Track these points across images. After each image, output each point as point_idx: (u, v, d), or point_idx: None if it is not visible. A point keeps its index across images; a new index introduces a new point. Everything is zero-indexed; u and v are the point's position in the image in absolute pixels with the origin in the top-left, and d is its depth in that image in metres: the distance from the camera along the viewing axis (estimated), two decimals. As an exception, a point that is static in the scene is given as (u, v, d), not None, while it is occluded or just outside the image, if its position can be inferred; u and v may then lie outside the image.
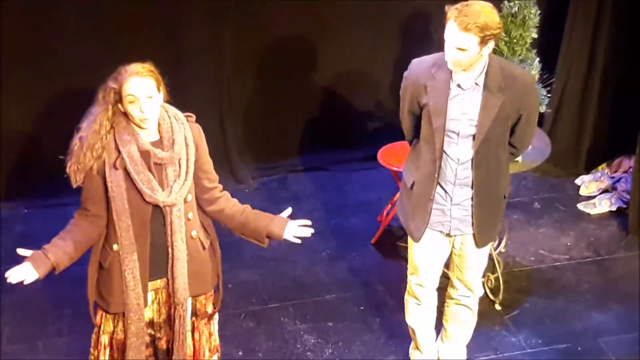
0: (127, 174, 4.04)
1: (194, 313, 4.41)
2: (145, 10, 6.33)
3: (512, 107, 4.36)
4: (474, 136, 4.37)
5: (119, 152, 4.02)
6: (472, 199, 4.53)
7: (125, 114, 4.01)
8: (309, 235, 4.40)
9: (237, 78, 6.77)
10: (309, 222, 4.40)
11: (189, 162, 4.16)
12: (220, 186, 4.42)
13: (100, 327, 4.31)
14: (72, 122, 4.16)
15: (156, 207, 4.10)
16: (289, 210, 4.47)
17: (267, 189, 7.00)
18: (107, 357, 4.33)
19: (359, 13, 6.81)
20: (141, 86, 3.96)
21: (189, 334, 4.39)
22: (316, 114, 7.12)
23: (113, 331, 4.30)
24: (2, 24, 6.08)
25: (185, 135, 4.14)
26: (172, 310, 4.29)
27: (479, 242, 4.67)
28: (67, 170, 4.04)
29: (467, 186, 4.50)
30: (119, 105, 4.00)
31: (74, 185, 4.07)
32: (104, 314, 4.28)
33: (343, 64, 6.99)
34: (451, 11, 4.18)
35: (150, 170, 4.05)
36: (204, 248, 4.36)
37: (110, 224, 4.13)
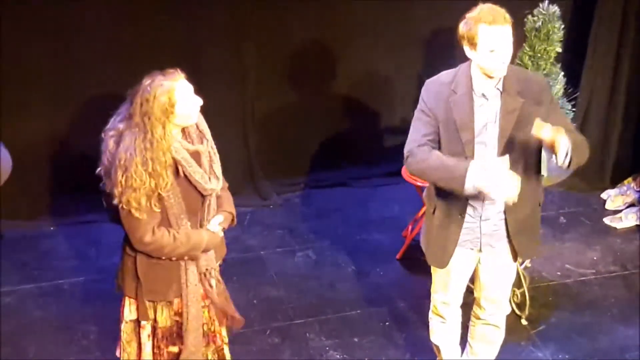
0: (181, 177, 4.14)
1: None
2: (167, 28, 6.37)
3: (532, 108, 4.32)
4: (499, 142, 4.35)
5: (174, 160, 4.10)
6: (505, 206, 4.48)
7: None
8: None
9: (260, 95, 6.80)
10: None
11: (212, 141, 4.30)
12: None
13: (136, 321, 4.39)
14: (98, 141, 4.18)
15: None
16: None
17: (291, 204, 7.01)
18: (150, 345, 4.42)
19: (381, 29, 6.82)
20: (188, 84, 4.10)
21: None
22: (340, 130, 7.13)
23: (155, 319, 4.37)
24: (22, 44, 6.14)
25: (202, 119, 4.27)
26: (207, 277, 4.39)
27: (521, 253, 4.60)
28: (133, 204, 4.02)
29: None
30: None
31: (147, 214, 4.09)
32: (144, 306, 4.33)
33: (366, 80, 7.00)
34: (476, 19, 4.15)
35: (200, 165, 4.19)
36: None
37: (163, 224, 4.18)
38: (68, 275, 6.13)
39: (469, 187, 4.14)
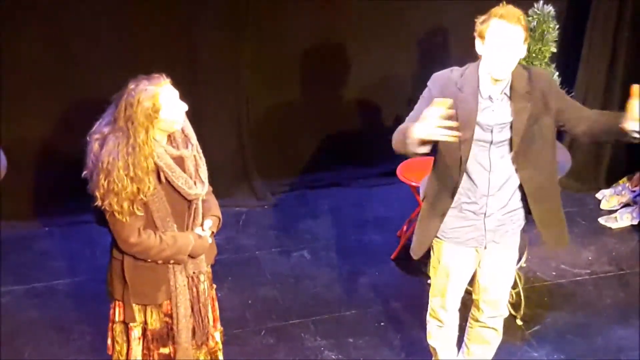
0: (166, 181, 4.12)
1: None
2: (164, 28, 6.36)
3: (542, 104, 4.34)
4: (510, 141, 4.36)
5: (156, 166, 4.08)
6: (523, 199, 4.51)
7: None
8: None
9: (255, 95, 6.79)
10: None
11: (198, 146, 4.29)
12: None
13: (124, 323, 4.39)
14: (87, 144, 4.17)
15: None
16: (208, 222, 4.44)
17: (286, 205, 7.01)
18: (140, 348, 4.42)
19: (376, 29, 6.82)
20: (173, 90, 4.07)
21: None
22: (335, 130, 7.12)
23: (145, 322, 4.37)
24: (22, 44, 6.13)
25: (187, 124, 4.25)
26: (195, 281, 4.37)
27: (550, 243, 4.65)
28: (115, 207, 4.03)
29: (502, 195, 4.48)
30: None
31: (129, 217, 4.08)
32: (131, 309, 4.33)
33: (361, 81, 7.00)
34: (492, 13, 4.18)
35: (184, 170, 4.16)
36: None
37: (148, 226, 4.18)
38: (63, 275, 6.13)
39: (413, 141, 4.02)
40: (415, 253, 4.71)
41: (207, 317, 4.46)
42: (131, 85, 4.02)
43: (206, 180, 4.28)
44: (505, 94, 4.33)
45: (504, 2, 4.27)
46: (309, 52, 6.80)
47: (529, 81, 4.34)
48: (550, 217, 4.60)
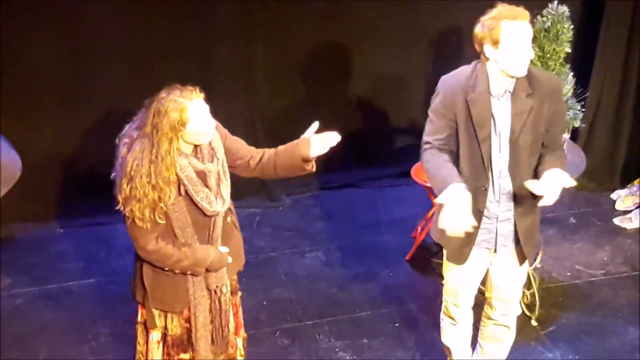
0: (185, 194, 4.12)
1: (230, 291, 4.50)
2: (177, 29, 6.37)
3: (540, 112, 4.32)
4: (509, 144, 4.35)
5: (178, 177, 4.08)
6: (514, 210, 4.49)
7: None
8: (334, 143, 4.46)
9: (269, 96, 6.80)
10: (334, 134, 4.43)
11: (224, 161, 4.26)
12: (252, 148, 4.49)
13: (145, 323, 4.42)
14: (108, 144, 4.19)
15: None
16: (315, 125, 4.47)
17: (300, 206, 7.01)
18: (160, 352, 4.43)
19: (390, 29, 6.81)
20: (203, 105, 4.05)
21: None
22: (349, 131, 7.08)
23: (165, 327, 4.38)
24: (38, 48, 6.15)
25: (216, 137, 4.23)
26: (218, 294, 4.38)
27: (528, 256, 4.61)
28: (137, 214, 4.03)
29: (508, 200, 4.46)
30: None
31: (150, 225, 4.09)
32: (151, 314, 4.35)
33: (375, 81, 7.00)
34: (499, 16, 4.15)
35: (205, 185, 4.15)
36: (235, 227, 4.46)
37: (168, 236, 4.18)
38: (78, 277, 6.14)
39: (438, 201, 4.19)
40: (461, 260, 4.63)
41: (228, 327, 4.47)
42: (163, 94, 4.01)
43: (227, 197, 4.26)
44: (509, 91, 4.31)
45: (498, 4, 4.23)
46: (320, 55, 6.80)
47: (533, 83, 4.30)
48: (531, 232, 4.58)
